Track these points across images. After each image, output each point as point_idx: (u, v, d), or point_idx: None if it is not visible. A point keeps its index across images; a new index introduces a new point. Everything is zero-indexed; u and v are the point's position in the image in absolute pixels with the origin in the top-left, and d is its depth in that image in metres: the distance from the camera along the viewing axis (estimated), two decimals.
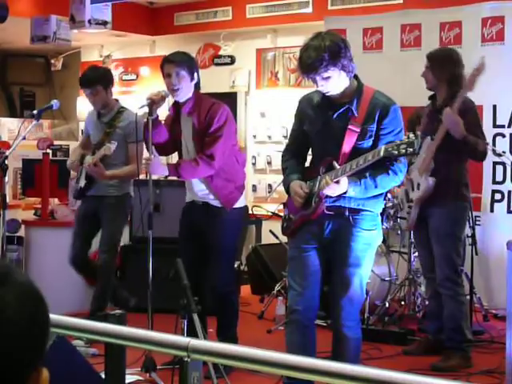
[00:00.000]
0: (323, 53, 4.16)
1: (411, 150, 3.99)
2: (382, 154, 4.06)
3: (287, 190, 4.56)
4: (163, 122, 5.57)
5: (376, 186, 4.26)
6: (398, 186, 6.50)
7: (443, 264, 5.68)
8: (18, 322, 1.16)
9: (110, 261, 6.44)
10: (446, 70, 5.68)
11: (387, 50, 8.07)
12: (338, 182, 4.21)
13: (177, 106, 5.55)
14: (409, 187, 5.86)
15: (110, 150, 6.08)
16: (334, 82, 4.26)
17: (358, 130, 4.27)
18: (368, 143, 4.30)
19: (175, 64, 5.36)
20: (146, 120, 5.38)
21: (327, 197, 4.33)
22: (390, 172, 4.25)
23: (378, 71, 7.70)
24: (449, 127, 5.49)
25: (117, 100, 6.54)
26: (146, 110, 5.35)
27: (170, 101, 5.69)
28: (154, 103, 5.31)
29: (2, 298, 1.16)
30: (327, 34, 4.32)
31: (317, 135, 4.46)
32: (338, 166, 4.24)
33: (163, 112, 5.72)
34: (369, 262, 4.46)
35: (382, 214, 6.75)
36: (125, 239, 7.38)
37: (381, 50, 8.06)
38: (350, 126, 4.27)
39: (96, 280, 6.47)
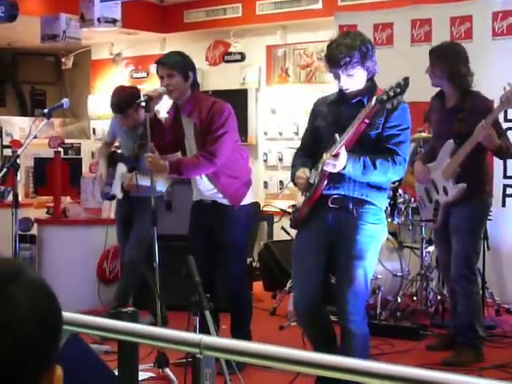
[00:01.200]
0: (354, 51, 4.33)
1: (398, 90, 4.15)
2: (373, 102, 4.20)
3: (293, 180, 4.61)
4: (164, 124, 5.59)
5: (375, 168, 4.28)
6: (399, 182, 6.52)
7: (459, 261, 5.65)
8: (31, 321, 1.16)
9: (137, 260, 6.45)
10: (446, 65, 5.64)
11: (398, 45, 8.06)
12: (337, 156, 4.23)
13: (176, 108, 5.55)
14: (431, 188, 5.82)
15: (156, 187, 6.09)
16: (356, 81, 4.41)
17: (368, 121, 4.32)
18: (374, 134, 4.37)
19: (166, 66, 5.36)
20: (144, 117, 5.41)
21: (329, 176, 4.35)
22: (389, 160, 4.30)
23: (389, 67, 7.66)
24: (483, 141, 5.44)
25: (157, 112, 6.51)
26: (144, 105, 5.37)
27: (168, 102, 5.69)
28: (151, 100, 5.32)
29: (14, 297, 1.16)
30: (357, 35, 4.53)
31: (327, 127, 4.51)
32: (336, 136, 4.26)
33: (162, 114, 5.71)
34: (373, 255, 4.48)
35: (392, 209, 6.78)
36: None
37: (391, 45, 8.05)
38: (359, 116, 4.30)
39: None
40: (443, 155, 5.63)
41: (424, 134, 6.54)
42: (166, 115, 5.77)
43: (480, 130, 5.39)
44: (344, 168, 4.25)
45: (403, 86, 4.16)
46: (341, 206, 4.41)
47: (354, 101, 4.44)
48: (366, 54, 4.37)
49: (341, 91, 4.50)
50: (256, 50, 10.39)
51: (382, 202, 4.51)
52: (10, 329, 1.14)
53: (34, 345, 1.16)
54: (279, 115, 10.15)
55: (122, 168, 6.46)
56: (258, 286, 8.30)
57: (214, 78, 10.45)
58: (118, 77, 11.80)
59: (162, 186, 6.39)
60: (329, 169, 4.29)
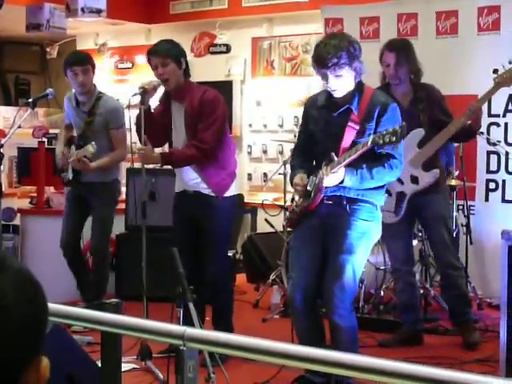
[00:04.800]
0: (342, 51, 4.36)
1: (394, 138, 4.17)
2: (369, 143, 4.23)
3: (291, 183, 4.75)
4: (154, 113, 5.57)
5: (372, 178, 4.41)
6: None
7: (445, 251, 5.86)
8: (17, 308, 1.16)
9: (103, 248, 6.49)
10: (412, 63, 5.78)
11: (384, 39, 8.04)
12: (335, 173, 4.38)
13: (167, 95, 5.55)
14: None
15: (89, 153, 6.07)
16: (344, 82, 4.45)
17: (357, 128, 4.43)
18: (367, 139, 4.39)
19: (160, 56, 5.36)
20: (138, 109, 5.40)
21: (326, 188, 4.48)
22: (385, 165, 4.42)
23: (375, 61, 7.70)
24: (472, 123, 5.66)
25: (95, 85, 6.50)
26: (139, 98, 5.37)
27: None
28: (146, 92, 5.33)
29: (0, 283, 1.16)
30: (345, 36, 4.58)
31: (319, 133, 4.63)
32: (334, 156, 4.39)
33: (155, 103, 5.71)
34: (363, 251, 4.56)
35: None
36: (120, 228, 7.40)
37: (378, 39, 8.05)
38: (349, 124, 4.44)
39: (83, 274, 6.54)
40: (410, 145, 5.59)
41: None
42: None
43: (468, 114, 5.55)
44: (341, 182, 4.40)
45: (399, 135, 4.18)
46: (335, 202, 4.52)
47: (342, 109, 4.51)
48: (353, 54, 4.40)
49: (329, 93, 4.55)
50: (242, 42, 10.36)
51: (378, 199, 4.60)
52: None
53: (20, 335, 1.16)
54: (264, 107, 10.14)
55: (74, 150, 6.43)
56: (241, 278, 8.31)
57: (199, 70, 10.39)
58: (103, 67, 11.74)
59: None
60: (327, 184, 4.45)
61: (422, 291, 6.74)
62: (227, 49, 10.51)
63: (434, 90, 5.79)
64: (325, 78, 4.44)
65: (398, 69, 5.73)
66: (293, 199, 4.87)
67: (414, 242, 6.92)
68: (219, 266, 5.53)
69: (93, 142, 6.07)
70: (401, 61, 5.72)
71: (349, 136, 4.43)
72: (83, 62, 6.31)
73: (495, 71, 5.67)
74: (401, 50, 5.77)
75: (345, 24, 8.12)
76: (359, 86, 4.52)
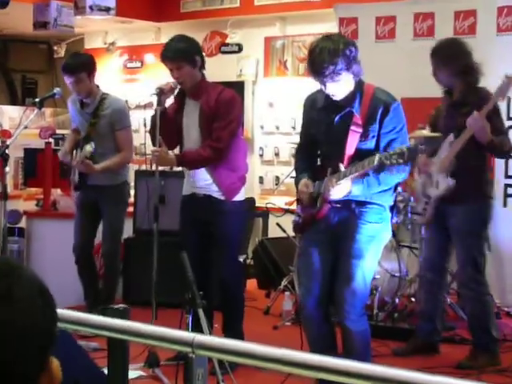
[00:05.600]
0: (338, 58, 4.26)
1: (401, 160, 4.11)
2: (375, 162, 4.18)
3: (297, 188, 4.75)
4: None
5: (379, 184, 4.41)
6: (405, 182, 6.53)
7: (466, 264, 5.67)
8: (28, 317, 1.18)
9: (114, 251, 6.52)
10: (450, 67, 5.60)
11: (400, 39, 8.06)
12: (341, 184, 4.38)
13: (182, 94, 5.55)
14: (427, 182, 5.83)
15: (88, 153, 6.09)
16: (343, 86, 4.40)
17: (360, 131, 4.41)
18: (371, 143, 4.45)
19: (173, 60, 5.36)
20: (154, 110, 5.42)
21: (331, 199, 4.49)
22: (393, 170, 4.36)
23: (390, 61, 7.71)
24: (475, 133, 5.42)
25: (98, 86, 6.51)
26: (155, 98, 5.39)
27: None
28: (162, 93, 5.36)
29: (13, 291, 1.17)
30: (339, 37, 4.55)
31: (321, 137, 4.64)
32: (343, 168, 4.37)
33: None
34: (373, 255, 4.58)
35: (391, 208, 6.79)
36: (128, 232, 7.41)
37: (393, 39, 8.05)
38: (352, 128, 4.41)
39: (93, 282, 6.56)
40: (443, 149, 5.65)
41: (425, 132, 6.53)
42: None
43: (470, 121, 5.40)
44: (349, 192, 4.40)
45: (406, 157, 4.13)
46: (344, 205, 4.52)
47: (343, 113, 4.47)
48: (350, 57, 4.31)
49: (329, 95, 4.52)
50: (254, 41, 10.37)
51: (386, 200, 4.59)
52: (11, 326, 1.14)
53: (33, 342, 1.17)
54: (276, 109, 10.14)
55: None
56: (251, 284, 8.31)
57: (210, 70, 10.32)
58: (111, 66, 11.79)
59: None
60: (333, 196, 4.45)
61: None
62: (239, 48, 10.52)
63: (487, 98, 5.48)
64: (322, 84, 4.40)
65: (437, 73, 5.66)
66: (298, 201, 4.84)
67: None
68: (230, 271, 5.53)
69: (91, 142, 6.10)
70: (437, 64, 5.64)
71: (352, 140, 4.41)
72: (74, 72, 6.26)
73: None
74: (436, 53, 5.67)
75: (359, 23, 8.12)
76: (359, 86, 4.47)
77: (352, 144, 4.42)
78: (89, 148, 6.05)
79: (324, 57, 4.26)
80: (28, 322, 1.17)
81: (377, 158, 4.17)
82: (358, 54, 4.39)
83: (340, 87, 4.39)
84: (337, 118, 4.49)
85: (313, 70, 4.36)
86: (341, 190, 4.39)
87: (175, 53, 5.37)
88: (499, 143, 5.48)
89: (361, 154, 4.39)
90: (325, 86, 4.38)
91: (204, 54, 5.62)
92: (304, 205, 4.67)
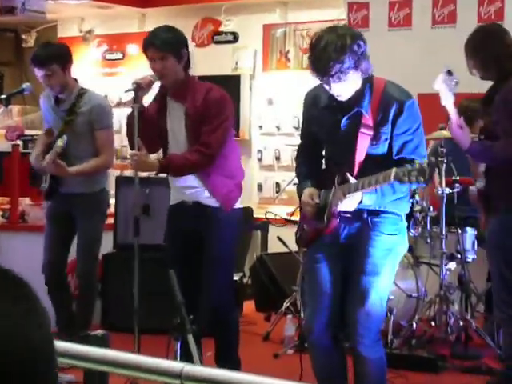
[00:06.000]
0: (345, 54, 4.20)
1: (421, 178, 4.06)
2: (392, 179, 4.14)
3: (300, 198, 4.72)
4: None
5: (394, 192, 4.39)
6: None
7: (495, 283, 5.66)
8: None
9: (90, 269, 6.48)
10: (476, 55, 5.52)
11: (416, 27, 8.08)
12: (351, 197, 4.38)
13: (163, 92, 5.54)
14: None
15: (59, 148, 6.05)
16: (350, 86, 4.35)
17: (371, 134, 4.40)
18: (383, 147, 4.44)
19: (159, 48, 5.32)
20: (131, 108, 5.39)
21: (340, 213, 4.47)
22: None
23: (405, 52, 7.73)
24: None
25: (76, 80, 6.47)
26: (131, 95, 5.37)
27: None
28: (140, 89, 5.34)
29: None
30: (346, 29, 4.44)
31: (327, 140, 4.65)
32: (352, 179, 4.35)
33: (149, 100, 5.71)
34: (390, 271, 4.60)
35: (407, 219, 6.82)
36: (107, 247, 7.40)
37: (409, 26, 8.07)
38: (361, 130, 4.40)
39: (66, 305, 6.52)
40: None
41: (445, 132, 6.53)
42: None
43: (450, 126, 5.38)
44: (360, 202, 4.39)
45: (428, 175, 4.07)
46: (355, 215, 4.50)
47: (351, 113, 4.44)
48: (358, 54, 4.25)
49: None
50: (251, 29, 10.39)
51: (401, 208, 4.60)
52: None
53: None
54: (277, 106, 10.15)
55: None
56: (249, 306, 8.31)
57: (202, 62, 10.43)
58: (88, 58, 11.79)
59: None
60: (342, 209, 4.44)
61: (461, 323, 6.72)
62: (234, 38, 10.53)
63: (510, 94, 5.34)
64: (326, 84, 4.35)
65: (468, 63, 5.60)
66: (301, 209, 4.82)
67: (453, 265, 6.93)
68: (222, 291, 5.51)
69: (64, 136, 6.05)
70: (468, 54, 5.60)
71: (362, 144, 4.40)
72: (45, 64, 6.20)
73: None
74: (467, 43, 5.63)
75: (371, 9, 8.15)
76: (368, 81, 4.43)
77: (362, 149, 4.41)
78: (60, 143, 5.98)
79: (329, 54, 4.20)
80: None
81: (393, 173, 4.13)
82: (366, 48, 4.33)
83: (346, 87, 4.35)
84: (344, 120, 4.47)
85: (316, 68, 4.32)
86: (351, 202, 4.39)
87: (161, 40, 5.35)
88: (479, 151, 5.45)
89: (372, 160, 4.40)
90: (329, 85, 4.33)
91: (194, 43, 5.61)
92: (309, 218, 4.66)
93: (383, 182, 4.23)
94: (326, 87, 4.38)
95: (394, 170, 4.13)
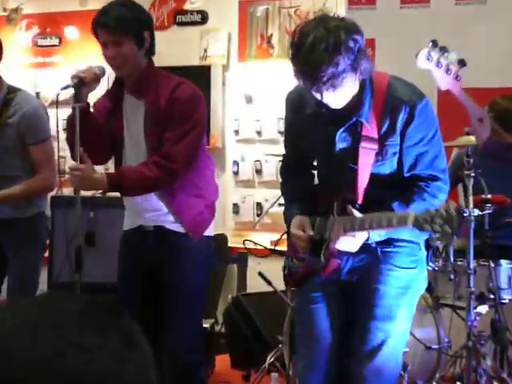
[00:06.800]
0: (339, 55, 4.07)
1: (448, 229, 3.95)
2: (409, 223, 4.06)
3: (288, 227, 4.69)
4: (94, 111, 5.55)
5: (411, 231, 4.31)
6: None
7: None
8: None
9: None
10: None
11: (436, 4, 8.16)
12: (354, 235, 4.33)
13: (118, 85, 5.56)
14: None
15: None
16: (346, 92, 4.25)
17: (375, 148, 4.35)
18: (392, 164, 4.41)
19: (114, 30, 5.29)
20: (71, 109, 5.37)
21: (340, 253, 4.44)
22: (425, 196, 4.35)
23: (421, 35, 7.79)
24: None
25: (0, 78, 6.36)
26: (71, 92, 5.37)
27: (110, 77, 5.71)
28: (83, 84, 5.31)
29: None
30: (337, 20, 4.23)
31: (318, 158, 4.67)
32: (356, 213, 4.31)
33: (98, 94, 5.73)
34: (406, 315, 4.60)
35: (427, 249, 6.87)
36: (40, 286, 7.42)
37: (427, 3, 8.15)
38: (362, 144, 4.34)
39: None
40: None
41: (472, 138, 6.58)
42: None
43: None
44: (367, 239, 4.36)
45: (456, 223, 3.95)
46: (362, 245, 4.44)
47: (347, 125, 4.40)
48: (355, 51, 4.11)
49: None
50: (224, 7, 10.43)
51: (420, 235, 4.46)
52: None
53: None
54: (258, 105, 10.17)
55: None
56: (223, 362, 8.32)
57: (161, 49, 10.41)
58: (14, 43, 11.80)
59: None
60: (344, 249, 4.41)
61: (495, 383, 6.76)
62: (203, 18, 10.57)
63: None
64: (317, 92, 4.20)
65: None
66: (288, 233, 4.82)
67: (484, 308, 6.96)
68: (189, 340, 5.51)
69: None
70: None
71: (365, 163, 4.35)
72: None
73: None
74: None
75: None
76: (369, 84, 4.36)
77: (365, 168, 4.36)
78: None
79: (319, 55, 4.07)
80: None
81: (411, 218, 4.05)
82: (364, 42, 4.19)
83: (342, 95, 4.24)
84: (339, 133, 4.42)
85: (303, 74, 4.19)
86: (353, 242, 4.36)
87: (118, 21, 5.29)
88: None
89: (379, 181, 4.37)
90: (321, 94, 4.18)
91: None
92: (301, 254, 4.66)
93: (397, 226, 4.18)
94: (317, 96, 4.25)
95: (412, 215, 4.06)
